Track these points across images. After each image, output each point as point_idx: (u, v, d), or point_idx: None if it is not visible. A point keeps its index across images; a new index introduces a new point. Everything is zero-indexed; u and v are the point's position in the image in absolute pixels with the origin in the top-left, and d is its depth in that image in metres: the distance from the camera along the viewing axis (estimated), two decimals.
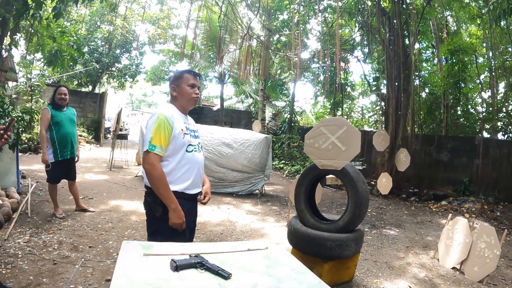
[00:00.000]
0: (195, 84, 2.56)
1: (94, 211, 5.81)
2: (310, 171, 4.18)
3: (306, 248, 3.78)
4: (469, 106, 12.83)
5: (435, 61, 14.44)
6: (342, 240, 3.60)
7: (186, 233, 2.48)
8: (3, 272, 3.42)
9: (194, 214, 2.66)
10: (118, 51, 19.58)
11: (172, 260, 1.80)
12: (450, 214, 5.44)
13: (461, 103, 12.43)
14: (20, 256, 3.85)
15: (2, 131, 2.39)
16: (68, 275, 3.49)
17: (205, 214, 6.31)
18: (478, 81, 12.47)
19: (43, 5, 5.68)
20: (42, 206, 5.78)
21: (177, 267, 1.76)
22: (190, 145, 2.48)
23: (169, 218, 2.36)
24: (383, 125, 11.30)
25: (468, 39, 13.27)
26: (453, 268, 4.66)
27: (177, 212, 2.36)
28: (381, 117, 13.77)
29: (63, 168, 5.31)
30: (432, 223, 7.11)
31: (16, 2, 5.00)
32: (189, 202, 2.53)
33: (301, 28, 13.40)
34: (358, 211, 3.69)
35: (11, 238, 4.31)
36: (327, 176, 10.21)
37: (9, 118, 5.27)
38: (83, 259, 3.92)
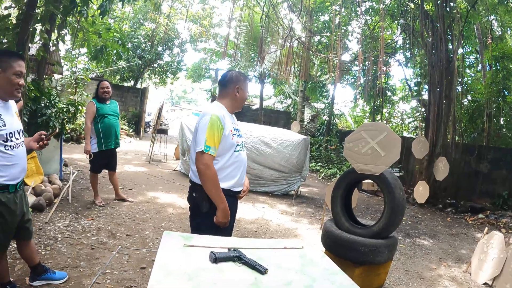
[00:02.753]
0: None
1: (132, 201, 6.01)
2: (348, 175, 4.16)
3: (339, 251, 3.76)
4: None
5: (479, 68, 13.89)
6: (376, 246, 3.56)
7: (228, 230, 2.57)
8: (42, 253, 3.62)
9: (235, 211, 2.74)
10: (160, 48, 20.08)
11: (212, 252, 1.87)
12: (486, 228, 5.24)
13: (504, 112, 11.90)
14: (59, 239, 4.06)
15: (43, 136, 2.59)
16: (105, 261, 3.66)
17: (241, 211, 6.37)
18: None
19: (90, 2, 5.93)
20: (82, 194, 6.04)
21: (216, 259, 1.83)
22: (237, 145, 2.57)
23: (216, 216, 2.45)
24: (423, 132, 10.99)
25: None
26: (485, 283, 4.49)
27: (225, 211, 2.45)
28: (421, 124, 13.41)
29: (106, 158, 5.54)
30: (467, 236, 6.87)
31: None
32: (233, 199, 2.62)
33: (342, 30, 13.27)
34: (394, 218, 3.64)
35: (51, 222, 4.55)
36: (363, 181, 10.07)
37: (53, 129, 5.58)
38: (120, 246, 4.08)
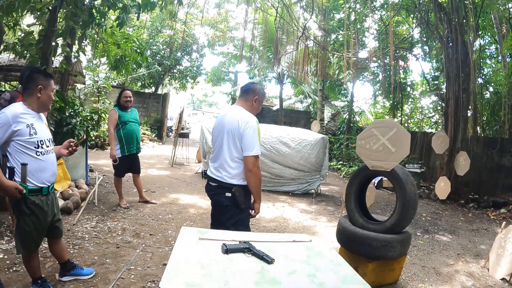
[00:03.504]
0: None
1: (155, 203, 6.26)
2: (360, 172, 4.25)
3: (352, 247, 3.86)
4: None
5: (500, 58, 13.55)
6: (388, 241, 3.63)
7: None
8: (71, 252, 3.89)
9: None
10: (179, 54, 20.47)
11: (224, 244, 2.06)
12: (504, 222, 5.18)
13: None
14: (86, 239, 4.34)
15: (72, 143, 2.98)
16: (129, 258, 3.90)
17: (260, 210, 6.52)
18: None
19: (107, 15, 6.21)
20: (108, 197, 6.34)
21: (227, 250, 2.01)
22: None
23: (256, 208, 3.00)
24: (443, 126, 10.85)
25: None
26: (503, 279, 4.43)
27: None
28: (442, 118, 13.21)
29: (128, 162, 5.81)
30: (488, 231, 6.80)
31: (83, 14, 5.54)
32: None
33: (358, 27, 13.24)
34: (405, 213, 3.70)
35: (79, 224, 4.84)
36: (384, 179, 10.04)
37: (78, 137, 5.89)
38: (143, 245, 4.32)
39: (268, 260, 1.94)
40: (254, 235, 2.43)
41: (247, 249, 2.04)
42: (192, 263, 1.86)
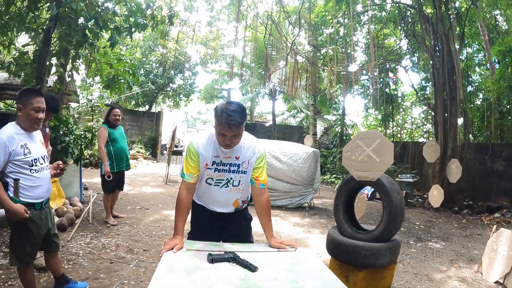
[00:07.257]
0: (224, 134, 2.36)
1: (121, 217, 6.37)
2: (347, 183, 4.31)
3: (341, 257, 3.90)
4: None
5: (488, 65, 13.79)
6: (376, 249, 3.67)
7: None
8: (65, 267, 3.95)
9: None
10: (172, 72, 20.65)
11: (209, 253, 2.14)
12: (495, 226, 5.27)
13: None
14: (81, 255, 4.41)
15: (62, 165, 3.19)
16: (123, 273, 3.97)
17: (252, 224, 6.56)
18: None
19: (100, 35, 6.36)
20: (102, 214, 6.37)
21: (213, 259, 2.09)
22: (209, 178, 2.60)
23: None
24: (434, 135, 10.98)
25: None
26: (496, 282, 4.48)
27: None
28: (433, 127, 13.35)
29: (118, 178, 5.89)
30: (481, 236, 6.85)
31: (76, 35, 5.67)
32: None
33: (347, 41, 13.46)
34: (392, 221, 3.76)
35: (73, 240, 4.91)
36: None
37: (68, 162, 5.95)
38: (137, 260, 4.38)
39: (252, 268, 2.02)
40: (240, 246, 2.50)
41: (232, 258, 2.12)
42: (178, 271, 1.95)
